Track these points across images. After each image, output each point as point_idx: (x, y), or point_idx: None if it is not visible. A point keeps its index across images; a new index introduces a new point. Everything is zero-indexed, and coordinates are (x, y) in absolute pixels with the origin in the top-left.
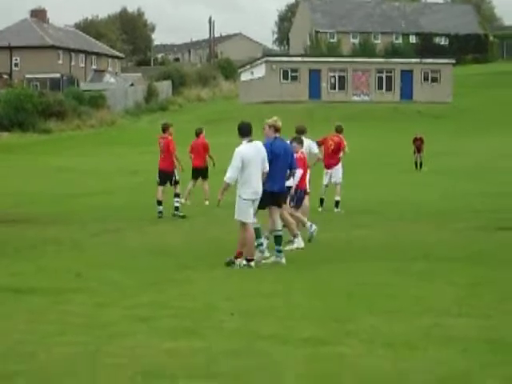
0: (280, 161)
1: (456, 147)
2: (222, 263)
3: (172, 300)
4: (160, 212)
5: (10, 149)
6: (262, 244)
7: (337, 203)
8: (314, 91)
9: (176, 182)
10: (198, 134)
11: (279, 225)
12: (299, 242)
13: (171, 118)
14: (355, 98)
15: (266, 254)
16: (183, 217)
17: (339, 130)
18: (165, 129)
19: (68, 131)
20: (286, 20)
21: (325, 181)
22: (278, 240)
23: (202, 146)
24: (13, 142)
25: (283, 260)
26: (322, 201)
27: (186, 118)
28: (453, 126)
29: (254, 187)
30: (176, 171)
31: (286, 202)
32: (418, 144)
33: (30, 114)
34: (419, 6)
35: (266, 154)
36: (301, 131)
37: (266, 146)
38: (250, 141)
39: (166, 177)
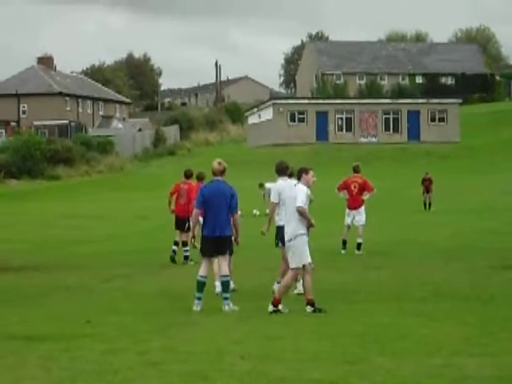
0: (213, 205)
1: (464, 186)
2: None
3: (182, 344)
4: (174, 251)
5: (19, 196)
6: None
7: (358, 245)
8: (322, 133)
9: (188, 229)
10: (200, 178)
11: (224, 271)
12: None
13: (180, 162)
14: (362, 140)
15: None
16: (194, 263)
17: (357, 170)
18: (189, 175)
19: (77, 177)
20: (292, 62)
21: (347, 221)
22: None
23: (193, 192)
24: (22, 189)
25: (227, 308)
26: (344, 243)
27: (194, 162)
28: (461, 166)
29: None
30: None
31: (229, 248)
32: (427, 184)
33: (38, 160)
34: (425, 47)
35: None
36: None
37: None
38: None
39: (182, 222)
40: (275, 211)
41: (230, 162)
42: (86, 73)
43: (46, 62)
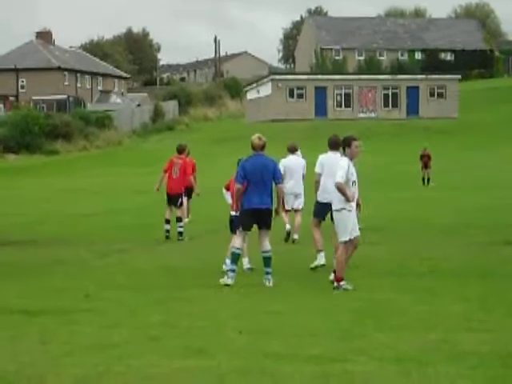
0: (256, 178)
1: (463, 162)
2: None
3: (180, 319)
4: (167, 231)
5: (18, 171)
6: (233, 270)
7: None
8: (320, 109)
9: (181, 204)
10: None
11: (267, 245)
12: (320, 259)
13: (178, 137)
14: (361, 115)
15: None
16: (188, 240)
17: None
18: (181, 150)
19: (75, 152)
20: (291, 38)
21: None
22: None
23: (191, 166)
24: (20, 164)
25: (269, 283)
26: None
27: (193, 137)
28: (460, 142)
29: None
30: (183, 194)
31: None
32: (426, 160)
33: (36, 135)
34: (424, 22)
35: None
36: (292, 149)
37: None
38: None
39: (174, 199)
40: (319, 181)
41: (229, 138)
42: (84, 47)
43: (44, 36)
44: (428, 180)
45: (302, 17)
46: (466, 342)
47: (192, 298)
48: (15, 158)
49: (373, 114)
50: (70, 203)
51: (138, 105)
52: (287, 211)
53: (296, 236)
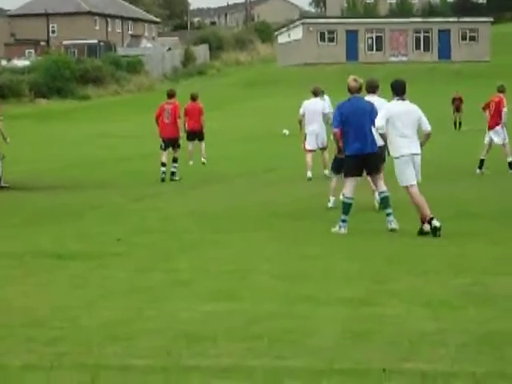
0: (355, 122)
1: None
2: (263, 226)
3: (212, 263)
4: (163, 173)
5: (49, 116)
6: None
7: (510, 164)
8: (352, 52)
9: (178, 146)
10: (194, 98)
11: (382, 186)
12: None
13: (209, 82)
14: (393, 59)
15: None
16: (179, 180)
17: (501, 90)
18: (171, 95)
19: (106, 97)
20: None
21: (485, 140)
22: (384, 201)
23: (197, 110)
24: (51, 108)
25: (393, 225)
26: (481, 162)
27: (224, 81)
28: (491, 85)
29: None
30: (179, 137)
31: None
32: (457, 103)
33: (68, 80)
34: None
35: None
36: (315, 92)
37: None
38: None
39: (170, 142)
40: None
41: (260, 82)
42: None
43: None
44: (460, 124)
45: None
46: (496, 285)
47: (224, 242)
48: (47, 103)
49: (404, 58)
50: (103, 148)
51: (169, 49)
52: (311, 151)
53: (327, 172)
